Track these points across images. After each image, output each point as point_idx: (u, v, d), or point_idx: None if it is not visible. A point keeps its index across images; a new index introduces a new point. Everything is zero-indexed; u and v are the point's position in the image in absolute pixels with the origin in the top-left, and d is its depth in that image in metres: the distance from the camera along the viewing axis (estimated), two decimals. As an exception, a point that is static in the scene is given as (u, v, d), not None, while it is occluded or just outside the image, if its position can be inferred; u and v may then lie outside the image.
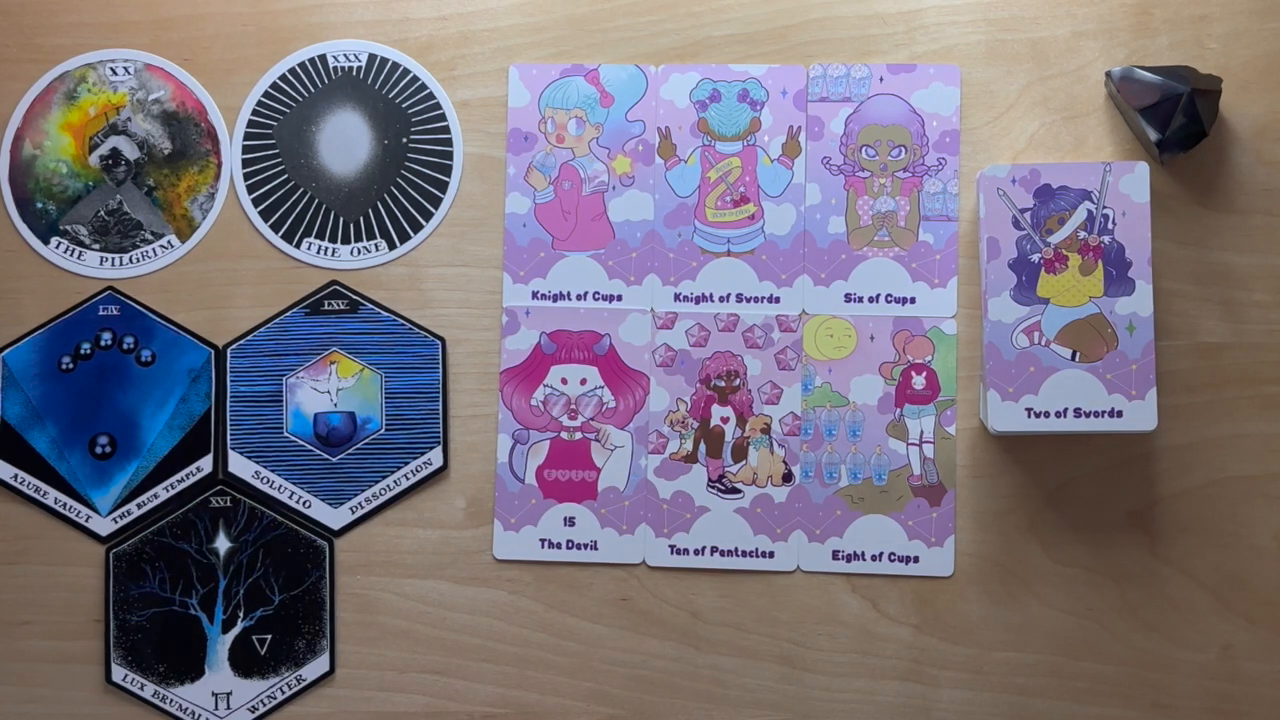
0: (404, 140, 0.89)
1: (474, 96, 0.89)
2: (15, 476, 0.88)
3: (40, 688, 0.87)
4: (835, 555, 0.85)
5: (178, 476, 0.88)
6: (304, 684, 0.87)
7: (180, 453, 0.88)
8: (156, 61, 0.91)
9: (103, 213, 0.90)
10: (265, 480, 0.88)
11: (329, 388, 0.88)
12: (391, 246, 0.89)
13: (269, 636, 0.87)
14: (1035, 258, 0.81)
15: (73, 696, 0.87)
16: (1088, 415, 0.80)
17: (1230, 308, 0.84)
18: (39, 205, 0.90)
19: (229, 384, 0.88)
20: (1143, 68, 0.83)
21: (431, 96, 0.89)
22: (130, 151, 0.90)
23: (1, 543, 0.88)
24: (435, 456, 0.87)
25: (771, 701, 0.85)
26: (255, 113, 0.90)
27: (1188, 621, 0.84)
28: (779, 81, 0.88)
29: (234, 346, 0.88)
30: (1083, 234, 0.81)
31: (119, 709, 0.87)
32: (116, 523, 0.88)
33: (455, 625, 0.87)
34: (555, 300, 0.88)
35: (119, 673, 0.87)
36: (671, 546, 0.86)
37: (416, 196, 0.89)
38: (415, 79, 0.90)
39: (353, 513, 0.87)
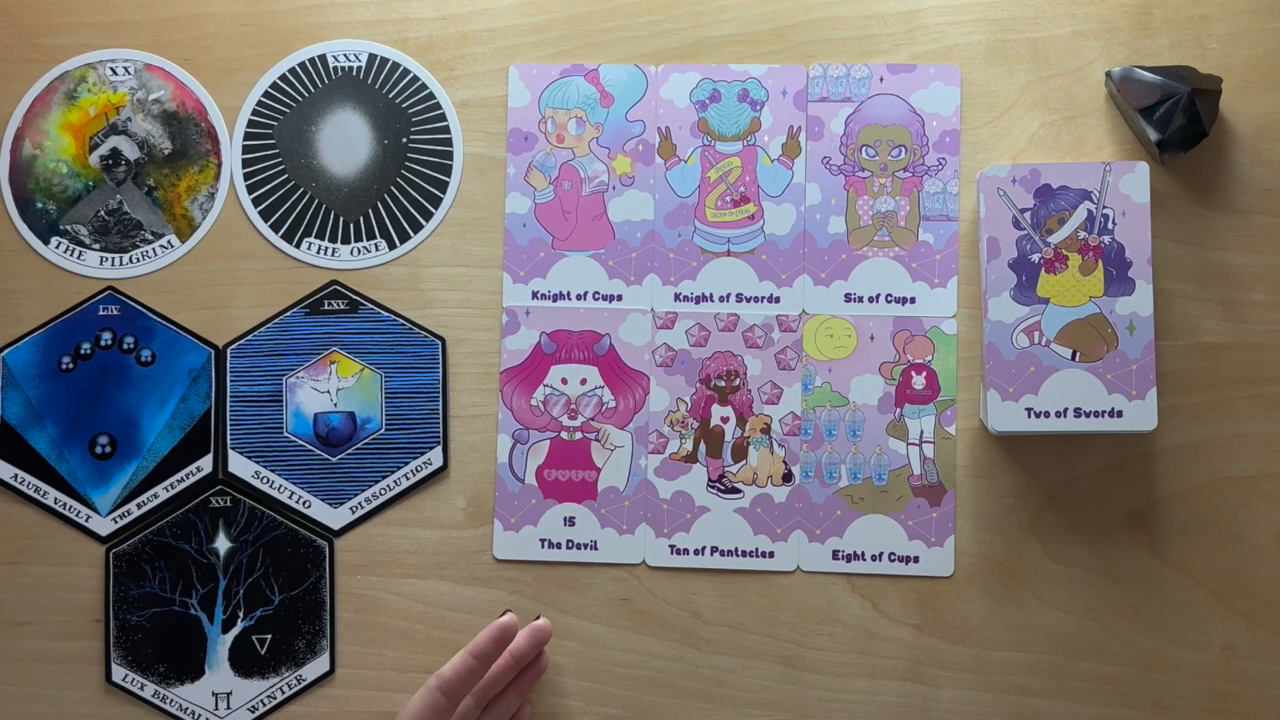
0: (404, 140, 0.89)
1: (474, 96, 0.89)
2: (15, 476, 0.88)
3: (40, 688, 0.87)
4: (835, 555, 0.85)
5: (178, 476, 0.88)
6: (304, 684, 0.87)
7: (180, 453, 0.88)
8: (156, 61, 0.91)
9: (103, 213, 0.90)
10: (265, 480, 0.88)
11: (329, 388, 0.88)
12: (391, 246, 0.89)
13: (269, 636, 0.87)
14: (1035, 258, 0.81)
15: (73, 696, 0.87)
16: (1088, 415, 0.80)
17: (1230, 308, 0.84)
18: (39, 205, 0.90)
19: (229, 384, 0.88)
20: (1143, 68, 0.83)
21: (431, 96, 0.89)
22: (130, 151, 0.90)
23: (1, 543, 0.88)
24: (435, 456, 0.87)
25: (771, 701, 0.85)
26: (255, 113, 0.90)
27: (1188, 621, 0.84)
28: (779, 81, 0.88)
29: (234, 346, 0.88)
30: (1083, 234, 0.81)
31: (119, 709, 0.87)
32: (116, 523, 0.88)
33: (455, 625, 0.87)
34: (555, 300, 0.88)
35: (119, 673, 0.87)
36: (671, 546, 0.86)
37: (416, 196, 0.89)
38: (415, 79, 0.89)
39: (353, 513, 0.87)
